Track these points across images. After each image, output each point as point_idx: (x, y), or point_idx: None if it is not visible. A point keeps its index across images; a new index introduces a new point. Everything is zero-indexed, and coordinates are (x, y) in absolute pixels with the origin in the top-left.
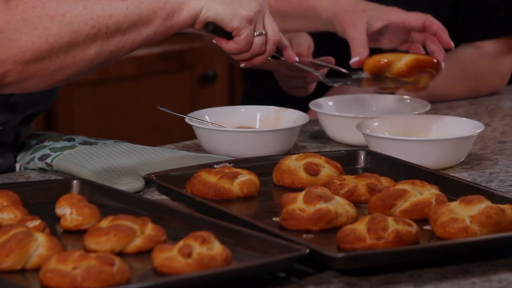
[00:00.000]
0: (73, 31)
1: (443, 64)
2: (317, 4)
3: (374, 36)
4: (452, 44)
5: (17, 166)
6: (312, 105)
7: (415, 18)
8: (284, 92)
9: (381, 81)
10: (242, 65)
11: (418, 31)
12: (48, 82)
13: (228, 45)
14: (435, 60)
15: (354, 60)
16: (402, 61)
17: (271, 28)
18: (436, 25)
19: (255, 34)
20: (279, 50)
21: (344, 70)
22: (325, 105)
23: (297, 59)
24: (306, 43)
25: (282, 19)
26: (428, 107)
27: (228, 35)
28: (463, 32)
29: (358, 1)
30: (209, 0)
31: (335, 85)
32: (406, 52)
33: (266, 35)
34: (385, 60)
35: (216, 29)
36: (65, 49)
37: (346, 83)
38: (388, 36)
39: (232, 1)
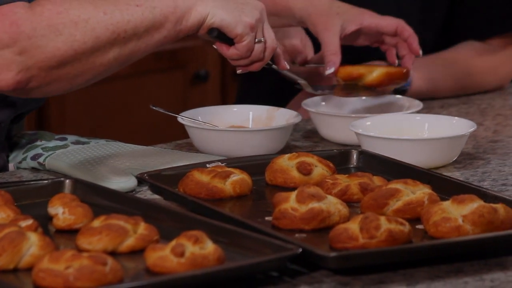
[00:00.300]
0: (96, 37)
1: (411, 73)
2: (291, 5)
3: (347, 37)
4: (421, 52)
5: (10, 166)
6: (304, 104)
7: (387, 23)
8: (277, 92)
9: (353, 88)
10: (239, 71)
11: (390, 35)
12: (68, 87)
13: (230, 51)
14: (404, 71)
15: (328, 71)
16: (374, 74)
17: (270, 36)
18: (407, 31)
19: (255, 41)
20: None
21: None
22: (318, 104)
23: (288, 67)
24: (297, 40)
25: None
26: (421, 106)
27: (230, 41)
28: (462, 31)
29: (332, 2)
30: (215, 6)
31: (318, 92)
32: (379, 56)
33: (265, 42)
34: (357, 72)
35: (220, 35)
36: (87, 55)
37: (325, 91)
38: (361, 36)
39: (236, 8)
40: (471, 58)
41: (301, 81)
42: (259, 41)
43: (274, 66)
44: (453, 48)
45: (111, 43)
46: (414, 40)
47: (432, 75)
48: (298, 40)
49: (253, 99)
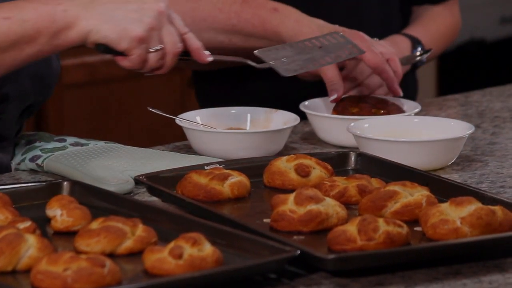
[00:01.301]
0: None
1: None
2: (281, 31)
3: None
4: (401, 93)
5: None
6: (302, 106)
7: (370, 58)
8: (275, 94)
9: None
10: (146, 74)
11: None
12: None
13: (123, 63)
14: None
15: (332, 98)
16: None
17: (170, 41)
18: (387, 74)
19: (150, 51)
20: (188, 52)
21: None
22: (316, 106)
23: (209, 59)
24: None
25: (245, 38)
26: (419, 108)
27: (123, 52)
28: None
29: (322, 27)
30: (100, 20)
31: (265, 66)
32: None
33: (164, 48)
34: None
35: (108, 49)
36: None
37: (281, 59)
38: None
39: (124, 18)
40: (437, 19)
41: (242, 60)
42: (155, 50)
43: (193, 59)
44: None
45: None
46: (393, 84)
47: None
48: None
49: (250, 101)
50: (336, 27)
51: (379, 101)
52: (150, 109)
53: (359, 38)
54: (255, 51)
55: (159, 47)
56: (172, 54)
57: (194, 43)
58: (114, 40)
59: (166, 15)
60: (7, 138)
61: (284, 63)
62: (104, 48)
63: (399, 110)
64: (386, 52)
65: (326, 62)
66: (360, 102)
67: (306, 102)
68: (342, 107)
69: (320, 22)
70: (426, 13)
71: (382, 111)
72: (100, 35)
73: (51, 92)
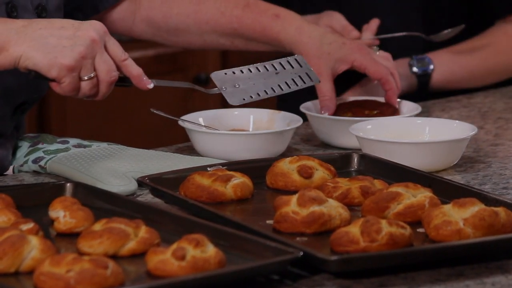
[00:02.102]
0: None
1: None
2: (281, 38)
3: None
4: (397, 105)
5: (11, 168)
6: (303, 107)
7: (374, 70)
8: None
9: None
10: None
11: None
12: None
13: (55, 89)
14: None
15: (324, 115)
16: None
17: (104, 69)
18: (389, 85)
19: (83, 79)
20: (129, 78)
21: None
22: (317, 108)
23: (151, 86)
24: (344, 20)
25: (246, 42)
26: (419, 110)
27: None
28: (487, 15)
29: (323, 37)
30: (31, 47)
31: (215, 92)
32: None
33: (97, 76)
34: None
35: (40, 75)
36: None
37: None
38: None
39: (55, 47)
40: (500, 39)
41: (195, 87)
42: (88, 78)
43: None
44: (482, 34)
45: None
46: (393, 96)
47: (453, 67)
48: (344, 19)
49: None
50: (337, 37)
51: (373, 104)
52: (153, 111)
53: (361, 51)
54: (211, 74)
55: (92, 75)
56: (106, 82)
57: (134, 69)
58: (44, 67)
59: (100, 42)
60: (3, 135)
61: (235, 90)
62: (35, 73)
63: (394, 111)
64: (389, 66)
65: (278, 92)
66: (353, 106)
67: (307, 104)
68: (335, 112)
69: (321, 30)
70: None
71: (376, 111)
72: (30, 62)
73: (45, 88)
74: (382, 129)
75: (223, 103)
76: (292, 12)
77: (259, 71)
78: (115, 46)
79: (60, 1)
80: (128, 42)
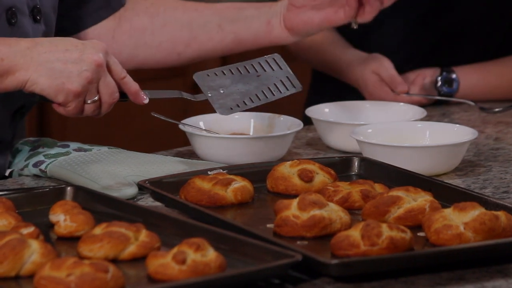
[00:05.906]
0: None
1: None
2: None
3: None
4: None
5: (8, 171)
6: (308, 111)
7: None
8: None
9: None
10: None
11: None
12: None
13: (59, 110)
14: None
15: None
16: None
17: (106, 92)
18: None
19: (87, 102)
20: (126, 94)
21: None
22: (321, 112)
23: (146, 101)
24: (394, 70)
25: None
26: (424, 114)
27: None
28: None
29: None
30: (38, 72)
31: (202, 99)
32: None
33: (100, 99)
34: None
35: (45, 98)
36: None
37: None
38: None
39: (62, 72)
40: None
41: (183, 95)
42: (92, 102)
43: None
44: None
45: None
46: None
47: (479, 87)
48: (393, 68)
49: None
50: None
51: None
52: (154, 114)
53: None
54: (194, 75)
55: (96, 98)
56: (108, 104)
57: (132, 86)
58: (51, 93)
59: (104, 65)
60: (2, 141)
61: (221, 96)
62: (41, 97)
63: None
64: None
65: (263, 100)
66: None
67: (312, 108)
68: None
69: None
70: None
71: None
72: (37, 87)
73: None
74: (383, 133)
75: None
76: None
77: (241, 73)
78: (115, 65)
79: (55, 2)
80: None
